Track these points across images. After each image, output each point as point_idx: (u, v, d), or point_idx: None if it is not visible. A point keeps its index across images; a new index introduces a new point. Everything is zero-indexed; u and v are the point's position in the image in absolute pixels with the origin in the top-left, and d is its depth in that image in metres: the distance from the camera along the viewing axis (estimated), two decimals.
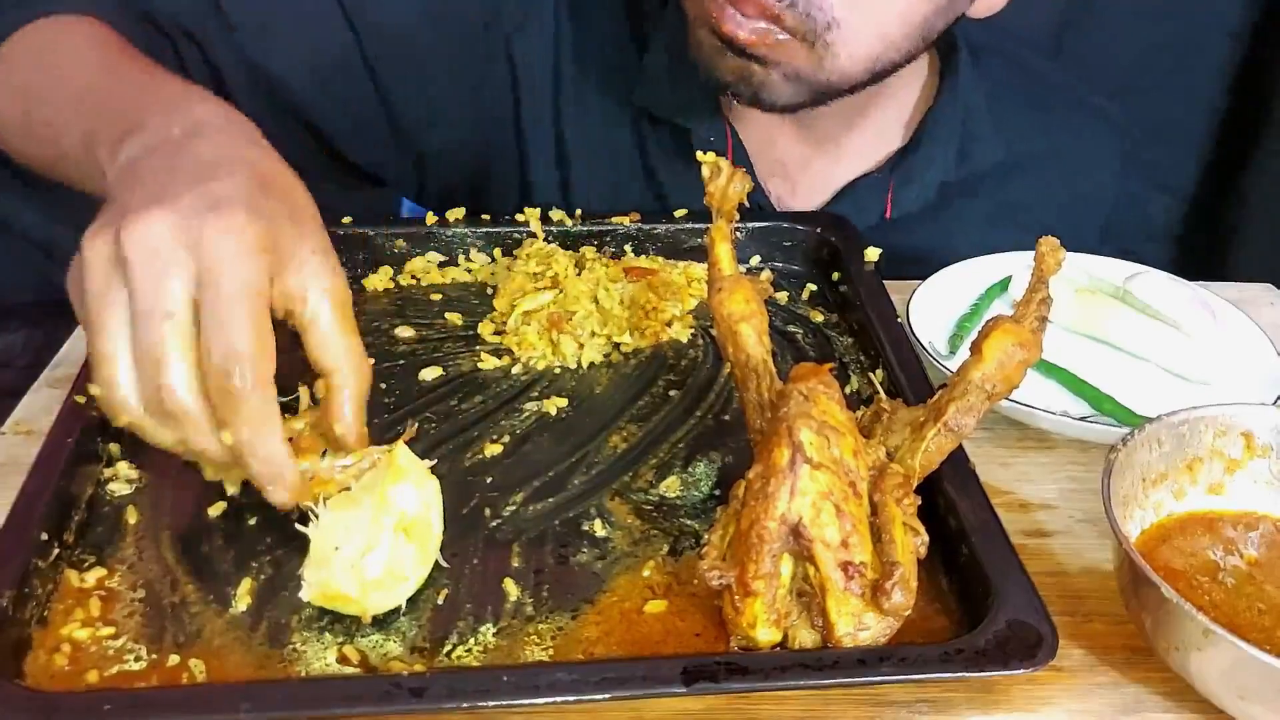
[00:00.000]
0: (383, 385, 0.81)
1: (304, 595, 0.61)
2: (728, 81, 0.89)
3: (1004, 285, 0.95)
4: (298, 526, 0.64)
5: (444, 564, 0.64)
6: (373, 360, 0.65)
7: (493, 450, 0.75)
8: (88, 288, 0.59)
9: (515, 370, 0.83)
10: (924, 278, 0.93)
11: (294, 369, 0.64)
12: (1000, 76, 1.07)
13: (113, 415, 0.61)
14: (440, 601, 0.63)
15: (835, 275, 0.94)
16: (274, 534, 0.67)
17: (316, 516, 0.63)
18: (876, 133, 1.04)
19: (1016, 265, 0.95)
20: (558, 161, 1.06)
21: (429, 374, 0.82)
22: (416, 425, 0.72)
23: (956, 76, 1.02)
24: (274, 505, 0.62)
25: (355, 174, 1.07)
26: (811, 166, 1.04)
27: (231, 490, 0.68)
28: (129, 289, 0.58)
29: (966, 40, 1.04)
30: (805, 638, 0.60)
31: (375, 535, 0.60)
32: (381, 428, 0.76)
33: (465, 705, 0.54)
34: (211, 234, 0.57)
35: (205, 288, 0.57)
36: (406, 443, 0.65)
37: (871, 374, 0.82)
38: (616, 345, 0.85)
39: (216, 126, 0.68)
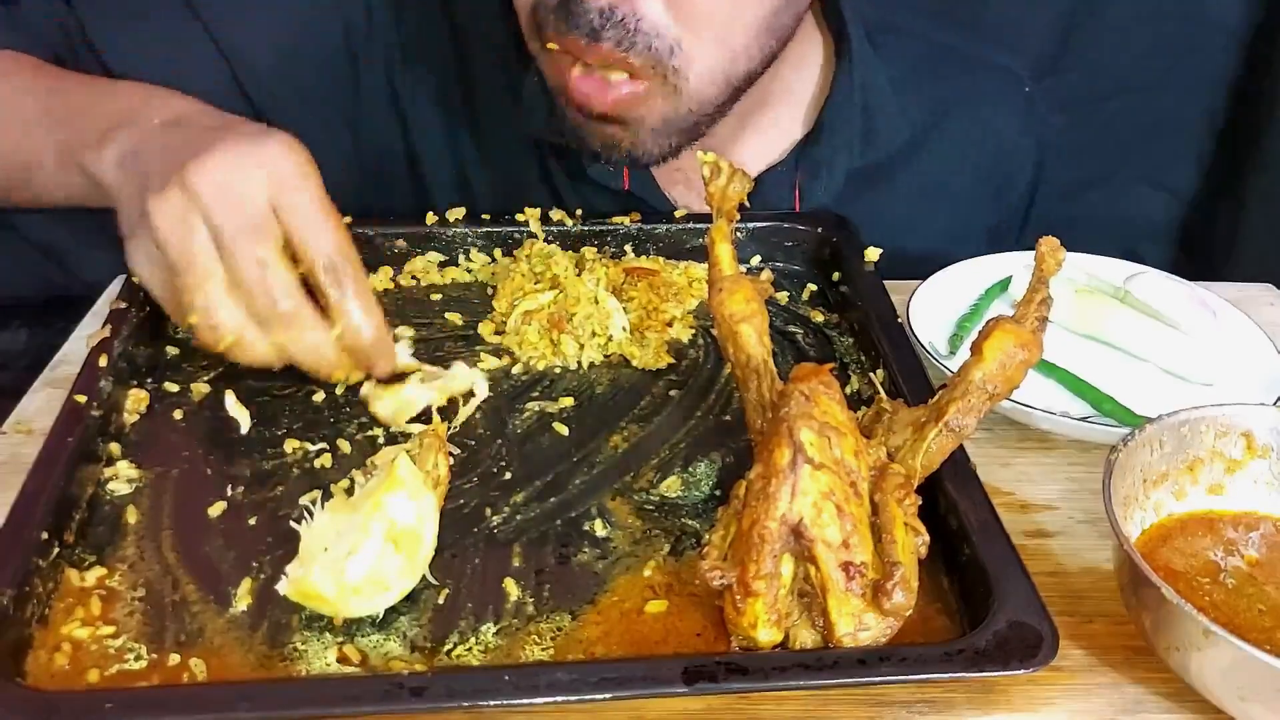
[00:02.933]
0: None
1: (281, 589, 0.61)
2: (598, 151, 0.88)
3: (1004, 285, 0.95)
4: (294, 525, 0.64)
5: (431, 581, 0.64)
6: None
7: (493, 450, 0.75)
8: (166, 237, 0.67)
9: (515, 370, 0.83)
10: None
11: None
12: (897, 53, 1.05)
13: (213, 340, 0.69)
14: (441, 601, 0.63)
15: (835, 275, 0.94)
16: (274, 534, 0.67)
17: (312, 516, 0.63)
18: (774, 128, 1.01)
19: (1016, 265, 0.95)
20: (459, 189, 1.05)
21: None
22: (446, 424, 0.73)
23: (850, 60, 0.99)
24: (378, 377, 0.75)
25: None
26: None
27: (340, 377, 0.75)
28: (210, 222, 0.66)
29: (862, 20, 1.01)
30: (806, 638, 0.60)
31: (362, 540, 0.60)
32: (378, 423, 0.77)
33: (465, 705, 0.54)
34: (277, 151, 0.67)
35: (288, 194, 0.67)
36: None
37: (872, 374, 0.82)
38: (627, 361, 0.85)
39: (199, 110, 0.73)
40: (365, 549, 0.60)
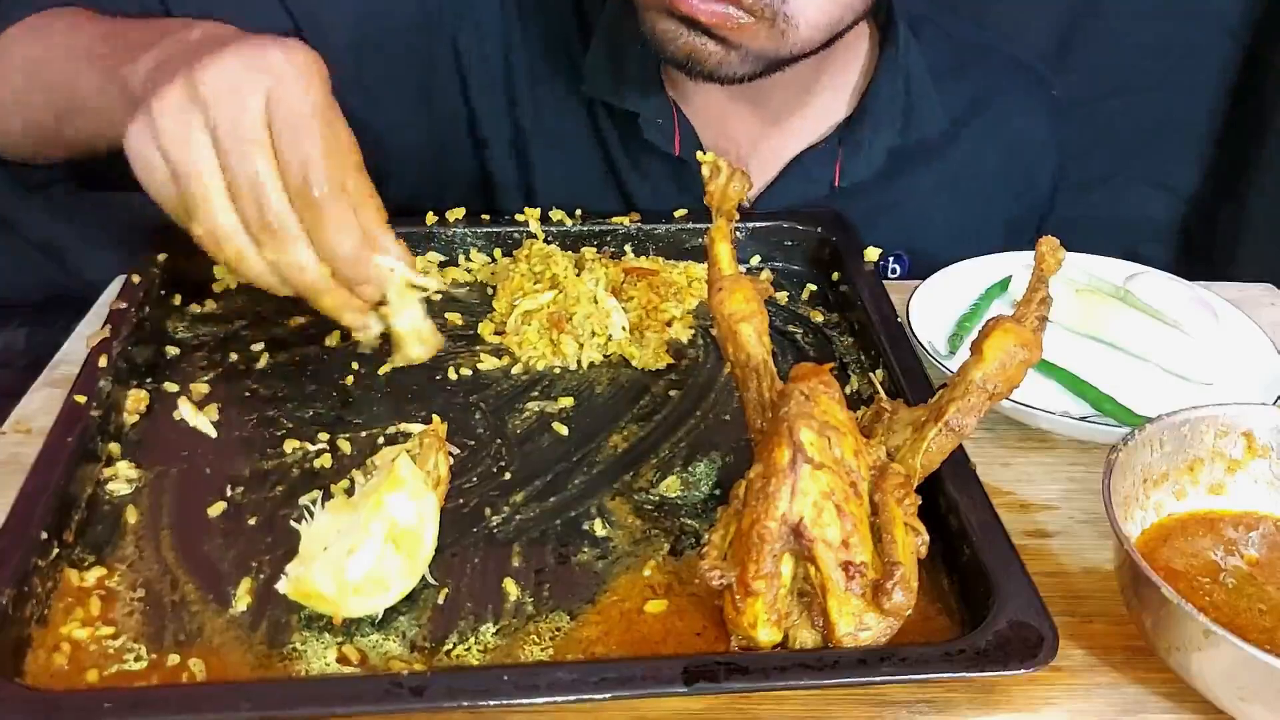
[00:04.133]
0: (384, 386, 0.81)
1: (280, 587, 0.61)
2: (681, 58, 0.88)
3: (1004, 285, 0.95)
4: (294, 525, 0.64)
5: (431, 581, 0.64)
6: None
7: (493, 450, 0.75)
8: (169, 140, 0.65)
9: (515, 370, 0.83)
10: (877, 244, 0.94)
11: None
12: (935, 45, 1.08)
13: (216, 248, 0.67)
14: (440, 601, 0.63)
15: (835, 275, 0.94)
16: (274, 534, 0.67)
17: (312, 516, 0.63)
18: (824, 105, 1.04)
19: (1016, 265, 0.95)
20: (516, 156, 1.07)
21: (429, 374, 0.82)
22: (445, 423, 0.73)
23: (895, 47, 1.03)
24: (359, 314, 0.70)
25: None
26: (760, 144, 1.05)
27: (367, 335, 0.72)
28: (209, 125, 0.64)
29: (907, 15, 1.05)
30: (806, 638, 0.60)
31: (362, 540, 0.60)
32: (378, 423, 0.77)
33: (465, 704, 0.54)
34: (281, 57, 0.65)
35: (278, 101, 0.64)
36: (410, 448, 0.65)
37: (872, 374, 0.82)
38: (627, 361, 0.85)
39: (233, 30, 0.73)
40: (365, 548, 0.60)
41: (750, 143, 1.04)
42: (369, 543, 0.60)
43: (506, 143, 1.07)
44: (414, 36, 1.03)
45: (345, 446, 0.74)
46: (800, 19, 0.85)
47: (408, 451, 0.66)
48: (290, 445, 0.74)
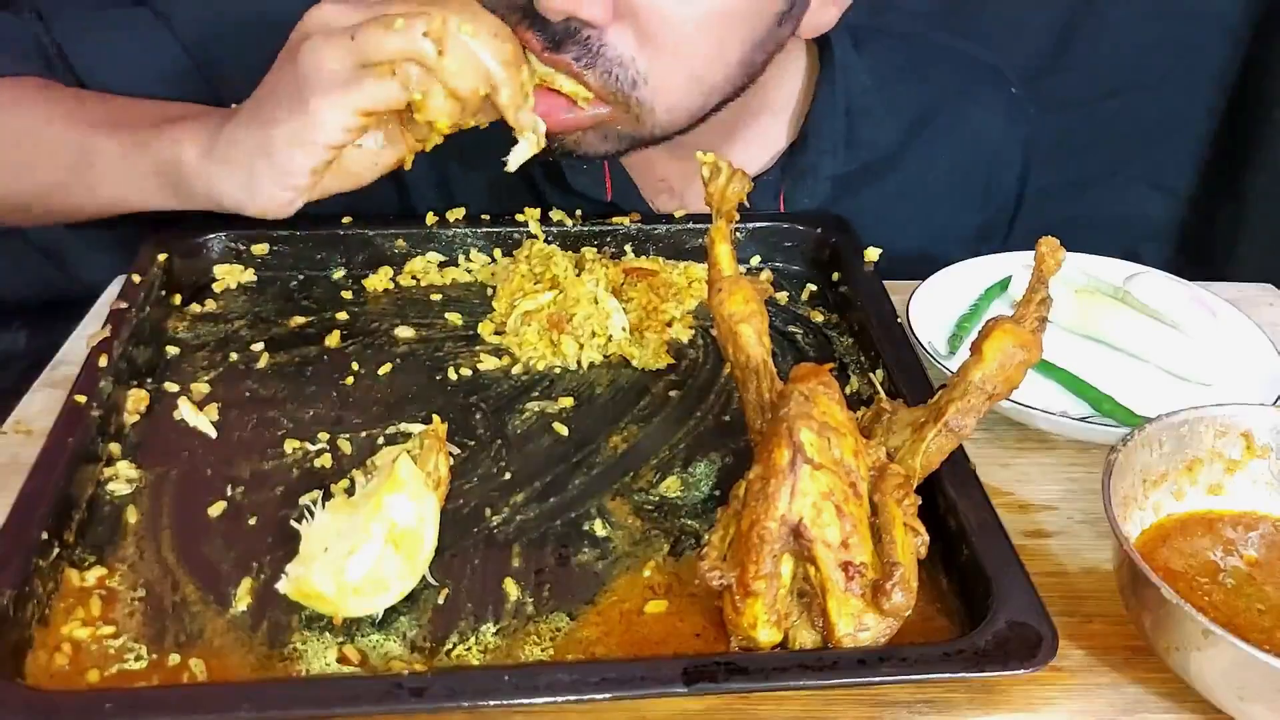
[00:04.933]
0: (384, 387, 0.81)
1: (280, 587, 0.61)
2: (553, 155, 0.85)
3: (1004, 285, 0.95)
4: (294, 525, 0.64)
5: (431, 581, 0.64)
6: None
7: (493, 451, 0.75)
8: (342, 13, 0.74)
9: (515, 370, 0.83)
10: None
11: None
12: (883, 56, 1.05)
13: (406, 73, 0.73)
14: (441, 601, 0.63)
15: (835, 275, 0.94)
16: (274, 534, 0.67)
17: (313, 516, 0.63)
18: (759, 139, 1.01)
19: (1016, 265, 0.95)
20: (440, 195, 1.04)
21: (429, 374, 0.82)
22: (445, 423, 0.73)
23: (833, 69, 1.00)
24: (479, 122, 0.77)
25: None
26: (695, 180, 1.00)
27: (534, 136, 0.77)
28: None
29: (848, 28, 0.99)
30: (806, 638, 0.60)
31: (362, 540, 0.60)
32: (378, 423, 0.77)
33: (466, 705, 0.54)
34: None
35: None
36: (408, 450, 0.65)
37: (871, 374, 0.82)
38: (627, 361, 0.85)
39: None
40: (365, 549, 0.60)
41: (683, 181, 1.01)
42: (369, 543, 0.60)
43: (430, 185, 1.04)
44: None
45: (345, 446, 0.74)
46: (654, 103, 0.81)
47: (408, 452, 0.66)
48: (290, 445, 0.74)
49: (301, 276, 0.93)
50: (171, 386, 0.79)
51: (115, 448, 0.73)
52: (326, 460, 0.73)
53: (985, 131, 1.10)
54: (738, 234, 0.95)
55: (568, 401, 0.80)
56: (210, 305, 0.89)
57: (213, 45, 1.00)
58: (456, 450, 0.74)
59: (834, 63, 1.00)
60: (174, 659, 0.59)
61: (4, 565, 0.59)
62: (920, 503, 0.64)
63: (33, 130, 0.88)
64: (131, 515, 0.68)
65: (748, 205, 0.76)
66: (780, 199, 1.02)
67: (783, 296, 0.94)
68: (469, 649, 0.60)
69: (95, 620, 0.61)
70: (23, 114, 0.89)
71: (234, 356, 0.83)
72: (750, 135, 1.00)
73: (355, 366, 0.82)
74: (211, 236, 0.92)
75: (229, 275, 0.91)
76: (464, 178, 1.04)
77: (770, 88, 0.97)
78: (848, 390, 0.83)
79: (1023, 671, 0.56)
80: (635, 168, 1.01)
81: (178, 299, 0.89)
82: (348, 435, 0.75)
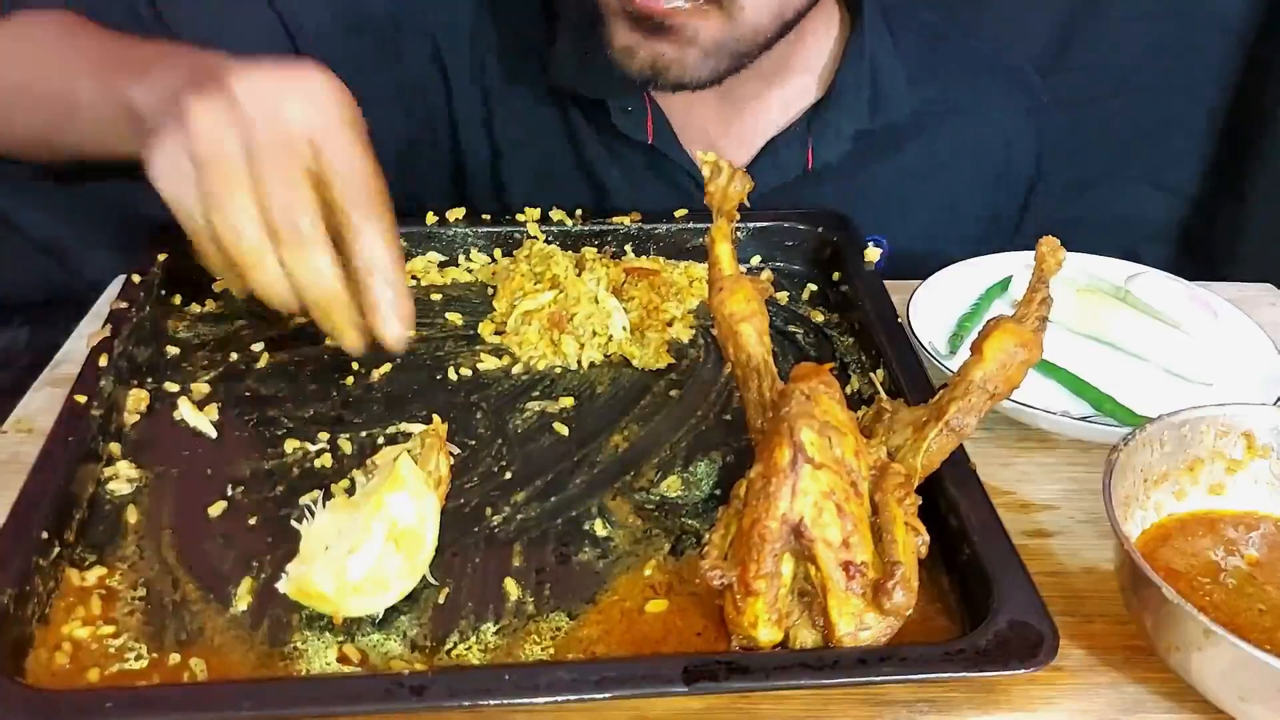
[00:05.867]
0: (384, 386, 0.81)
1: (281, 587, 0.61)
2: (646, 72, 0.91)
3: (1004, 285, 0.95)
4: (294, 524, 0.64)
5: (431, 580, 0.64)
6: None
7: (494, 450, 0.75)
8: (202, 134, 0.66)
9: (515, 370, 0.83)
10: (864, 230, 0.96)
11: None
12: (910, 33, 1.10)
13: (236, 246, 0.67)
14: (441, 601, 0.63)
15: (835, 275, 0.94)
16: (274, 533, 0.67)
17: (313, 515, 0.63)
18: (794, 90, 1.06)
19: (1016, 265, 0.95)
20: (488, 149, 1.09)
21: (429, 373, 0.82)
22: (446, 423, 0.73)
23: (862, 34, 1.05)
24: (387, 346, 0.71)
25: None
26: (732, 129, 1.06)
27: (352, 345, 0.72)
28: (246, 129, 0.65)
29: (880, 8, 1.07)
30: (806, 637, 0.60)
31: (363, 539, 0.60)
32: (378, 423, 0.77)
33: (466, 704, 0.54)
34: (324, 85, 0.67)
35: (330, 125, 0.67)
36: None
37: (872, 374, 0.82)
38: (627, 361, 0.85)
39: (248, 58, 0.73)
40: (366, 548, 0.60)
41: (722, 128, 1.06)
42: (369, 543, 0.60)
43: (480, 141, 1.08)
44: (385, 28, 1.05)
45: (345, 446, 0.74)
46: (746, 2, 0.88)
47: (408, 451, 0.66)
48: (290, 445, 0.74)
49: None
50: (172, 386, 0.79)
51: (115, 447, 0.73)
52: (327, 460, 0.73)
53: (1001, 125, 1.13)
54: (738, 233, 0.95)
55: (568, 401, 0.80)
56: (210, 305, 0.89)
57: (306, 14, 1.04)
58: (457, 450, 0.74)
59: (864, 26, 1.05)
60: (174, 658, 0.59)
61: (4, 564, 0.59)
62: (921, 502, 0.64)
63: (19, 70, 0.88)
64: (132, 515, 0.68)
65: (748, 205, 0.76)
66: (809, 151, 1.06)
67: (783, 296, 0.94)
68: (469, 648, 0.60)
69: (96, 619, 0.61)
70: (18, 51, 0.89)
71: (234, 356, 0.83)
72: (787, 86, 1.05)
73: (355, 366, 0.82)
74: None
75: (233, 283, 0.91)
76: (508, 135, 1.08)
77: (807, 44, 1.04)
78: (848, 390, 0.82)
79: (1023, 671, 0.56)
80: (675, 113, 1.05)
81: (178, 299, 0.89)
82: (348, 435, 0.75)
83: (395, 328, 0.71)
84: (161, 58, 0.77)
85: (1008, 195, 1.17)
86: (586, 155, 1.07)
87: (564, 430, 0.77)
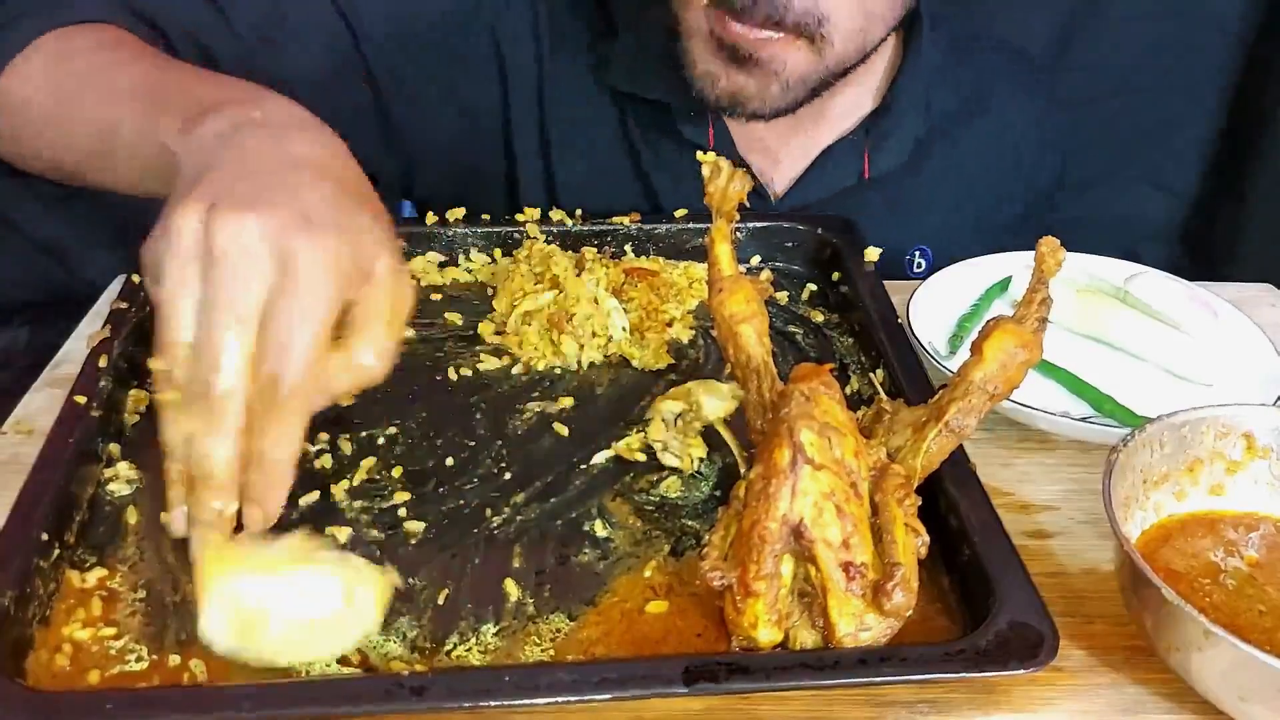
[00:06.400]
0: (384, 386, 0.81)
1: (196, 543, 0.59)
2: (725, 102, 0.92)
3: (1004, 285, 0.95)
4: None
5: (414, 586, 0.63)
6: None
7: (494, 451, 0.75)
8: (168, 270, 0.60)
9: (515, 370, 0.83)
10: (901, 237, 0.98)
11: None
12: (946, 35, 1.10)
13: (161, 386, 0.61)
14: (441, 601, 0.63)
15: (835, 275, 0.94)
16: (273, 534, 0.67)
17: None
18: (852, 100, 1.06)
19: (1016, 265, 0.95)
20: (541, 149, 1.08)
21: (429, 374, 0.82)
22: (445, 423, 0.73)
23: (921, 41, 1.05)
24: (244, 524, 0.60)
25: None
26: (792, 139, 1.06)
27: (176, 530, 0.61)
28: (209, 282, 0.58)
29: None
30: (806, 638, 0.60)
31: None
32: (378, 423, 0.77)
33: (466, 705, 0.54)
34: (302, 249, 0.57)
35: (282, 297, 0.57)
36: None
37: (872, 374, 0.82)
38: (627, 361, 0.85)
39: (299, 122, 0.68)
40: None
41: (781, 136, 1.06)
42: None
43: (533, 138, 1.08)
44: (449, 30, 1.05)
45: (345, 447, 0.74)
46: (834, 36, 0.88)
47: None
48: None
49: None
50: None
51: (115, 448, 0.73)
52: (326, 460, 0.73)
53: (1024, 126, 1.15)
54: (738, 234, 0.95)
55: (568, 401, 0.80)
56: None
57: (369, 11, 1.02)
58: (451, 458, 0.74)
59: (921, 37, 1.06)
60: (174, 659, 0.59)
61: (5, 565, 0.59)
62: (921, 503, 0.64)
63: (61, 93, 0.84)
64: (132, 516, 0.68)
65: (748, 205, 0.76)
66: (865, 159, 1.06)
67: (783, 296, 0.94)
68: (469, 649, 0.60)
69: (96, 621, 0.61)
70: (63, 71, 0.85)
71: None
72: (848, 96, 1.06)
73: None
74: None
75: None
76: (561, 134, 1.08)
77: (870, 58, 1.03)
78: (848, 390, 0.82)
79: (1023, 672, 0.56)
80: (735, 125, 1.04)
81: None
82: (348, 435, 0.75)
83: (255, 517, 0.62)
84: (213, 100, 0.71)
85: (1034, 198, 1.18)
86: (642, 161, 1.06)
87: (564, 431, 0.77)
